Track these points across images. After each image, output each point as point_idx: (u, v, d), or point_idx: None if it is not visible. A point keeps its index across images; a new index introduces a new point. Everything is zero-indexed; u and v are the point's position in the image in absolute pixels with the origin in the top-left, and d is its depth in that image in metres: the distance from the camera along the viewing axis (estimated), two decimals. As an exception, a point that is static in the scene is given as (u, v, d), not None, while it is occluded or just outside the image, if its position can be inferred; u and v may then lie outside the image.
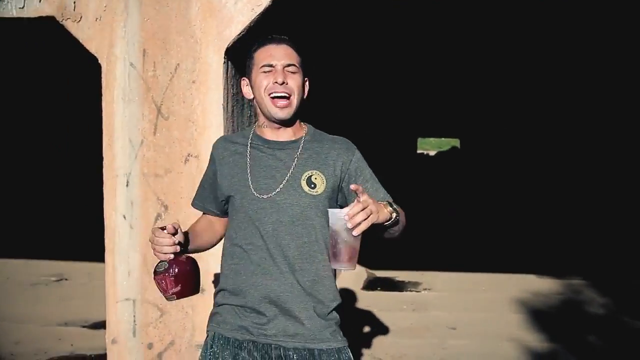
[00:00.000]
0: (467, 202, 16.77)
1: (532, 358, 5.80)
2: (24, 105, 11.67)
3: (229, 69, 3.95)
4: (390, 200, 2.52)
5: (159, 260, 2.47)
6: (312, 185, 2.54)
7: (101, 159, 4.05)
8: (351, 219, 2.23)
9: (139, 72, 3.98)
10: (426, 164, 28.88)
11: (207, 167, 2.77)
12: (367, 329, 6.61)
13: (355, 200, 2.26)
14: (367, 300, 7.76)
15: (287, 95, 2.55)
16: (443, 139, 38.17)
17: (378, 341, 6.23)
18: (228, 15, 3.87)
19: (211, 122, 3.88)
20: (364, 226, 2.24)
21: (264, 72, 2.56)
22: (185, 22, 3.92)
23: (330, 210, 2.35)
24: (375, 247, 9.54)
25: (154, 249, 2.44)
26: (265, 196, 2.53)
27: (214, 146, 2.74)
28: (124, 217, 4.03)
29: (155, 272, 2.48)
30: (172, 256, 2.45)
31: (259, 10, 3.84)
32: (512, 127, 16.34)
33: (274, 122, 2.62)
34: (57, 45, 7.39)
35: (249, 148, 2.63)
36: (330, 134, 2.71)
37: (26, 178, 11.97)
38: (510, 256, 9.96)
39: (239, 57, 2.95)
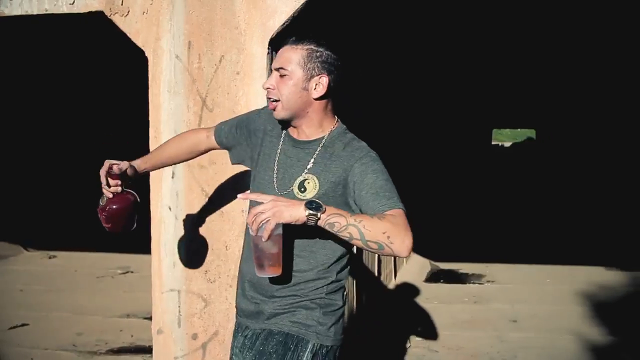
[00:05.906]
0: (540, 194, 16.50)
1: (591, 351, 5.65)
2: (73, 99, 11.80)
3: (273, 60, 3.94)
4: (389, 210, 2.28)
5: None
6: (302, 189, 2.47)
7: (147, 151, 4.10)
8: (250, 225, 2.20)
9: (184, 64, 4.01)
10: (501, 156, 28.53)
11: (252, 117, 2.81)
12: (425, 321, 6.57)
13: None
14: (428, 293, 7.71)
15: (274, 99, 2.51)
16: (519, 130, 37.61)
17: (435, 333, 6.17)
18: (272, 5, 3.86)
19: (254, 113, 3.87)
20: (267, 231, 2.16)
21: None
22: (229, 13, 3.93)
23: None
24: (439, 239, 9.54)
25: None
26: (281, 193, 2.50)
27: (267, 114, 2.67)
28: (170, 209, 4.08)
29: (98, 205, 2.73)
30: (110, 195, 2.67)
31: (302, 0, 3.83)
32: (590, 118, 15.95)
33: None
34: (105, 40, 7.43)
35: (282, 137, 2.63)
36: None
37: (86, 173, 12.11)
38: (579, 248, 9.75)
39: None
